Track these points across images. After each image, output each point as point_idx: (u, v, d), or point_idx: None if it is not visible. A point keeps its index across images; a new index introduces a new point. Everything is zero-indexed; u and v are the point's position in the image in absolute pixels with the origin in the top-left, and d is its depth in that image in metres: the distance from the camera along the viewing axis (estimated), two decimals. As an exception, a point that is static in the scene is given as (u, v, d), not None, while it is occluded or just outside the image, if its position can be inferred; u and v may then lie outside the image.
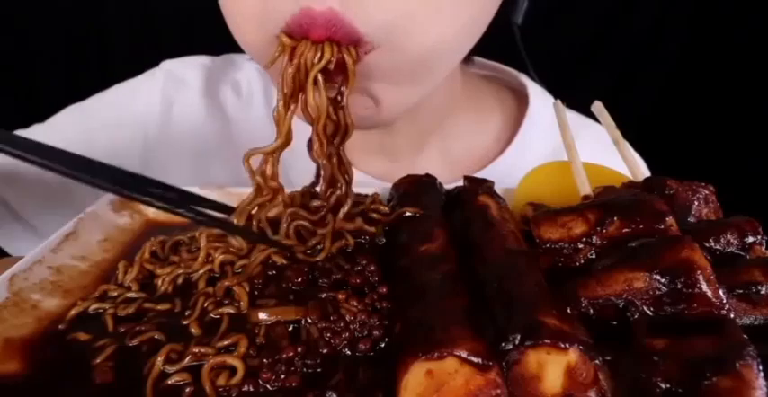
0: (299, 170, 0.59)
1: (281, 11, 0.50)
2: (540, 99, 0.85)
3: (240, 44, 0.60)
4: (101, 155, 0.83)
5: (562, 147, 0.57)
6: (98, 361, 0.40)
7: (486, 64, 0.91)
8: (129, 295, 0.47)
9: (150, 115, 0.84)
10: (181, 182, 0.65)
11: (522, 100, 0.86)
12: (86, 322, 0.45)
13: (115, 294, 0.47)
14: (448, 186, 0.57)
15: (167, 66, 0.88)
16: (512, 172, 0.61)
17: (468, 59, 0.79)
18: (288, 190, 0.56)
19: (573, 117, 0.66)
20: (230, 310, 0.43)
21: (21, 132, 0.84)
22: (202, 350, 0.40)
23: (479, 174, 0.57)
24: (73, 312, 0.45)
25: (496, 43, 0.64)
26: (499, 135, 0.84)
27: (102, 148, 0.83)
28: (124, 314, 0.45)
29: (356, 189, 0.60)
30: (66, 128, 0.84)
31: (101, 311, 0.46)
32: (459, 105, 0.80)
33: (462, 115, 0.81)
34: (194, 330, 0.42)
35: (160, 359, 0.39)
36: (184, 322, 0.43)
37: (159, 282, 0.48)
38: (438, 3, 0.52)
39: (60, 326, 0.44)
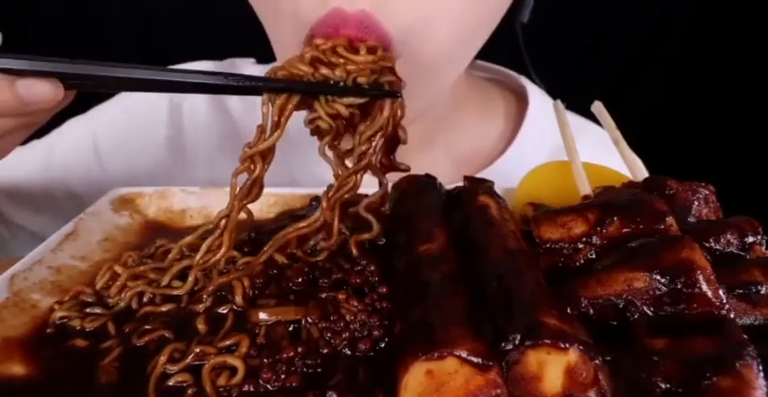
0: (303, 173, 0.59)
1: (308, 12, 0.50)
2: (539, 100, 0.86)
3: (273, 44, 0.60)
4: (111, 159, 0.84)
5: (561, 148, 0.57)
6: (105, 362, 0.40)
7: (488, 67, 0.92)
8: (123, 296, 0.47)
9: (158, 120, 0.85)
10: (194, 184, 0.65)
11: (522, 101, 0.87)
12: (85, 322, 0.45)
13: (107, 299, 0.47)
14: (453, 185, 0.57)
15: None
16: (513, 171, 0.61)
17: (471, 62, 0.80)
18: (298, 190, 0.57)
19: (572, 119, 0.67)
20: (227, 307, 0.44)
21: (21, 149, 0.84)
22: (204, 350, 0.40)
23: (482, 173, 0.57)
24: (58, 314, 0.45)
25: (497, 43, 0.65)
26: (502, 135, 0.85)
27: (111, 153, 0.84)
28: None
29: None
30: (73, 137, 0.84)
31: (98, 312, 0.46)
32: (463, 106, 0.80)
33: (467, 115, 0.82)
34: (201, 326, 0.42)
35: (162, 359, 0.39)
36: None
37: (165, 280, 0.48)
38: (452, 5, 0.53)
39: (48, 330, 0.44)
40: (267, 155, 0.49)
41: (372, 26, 0.49)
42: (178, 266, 0.49)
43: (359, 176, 0.50)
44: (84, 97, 0.50)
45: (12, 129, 0.47)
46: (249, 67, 0.90)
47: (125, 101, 0.86)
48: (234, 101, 0.86)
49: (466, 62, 0.64)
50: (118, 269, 0.50)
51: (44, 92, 0.42)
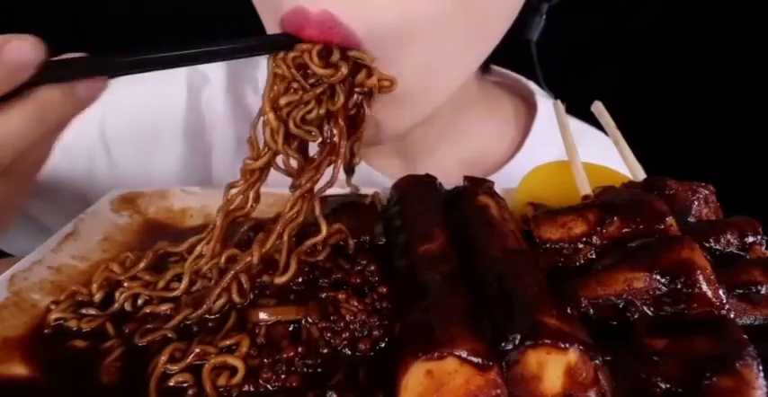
0: None
1: (277, 4, 0.50)
2: (547, 106, 0.85)
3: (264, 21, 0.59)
4: (122, 144, 0.82)
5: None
6: (106, 362, 0.40)
7: (496, 71, 0.91)
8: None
9: (176, 108, 0.82)
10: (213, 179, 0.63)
11: (530, 106, 0.87)
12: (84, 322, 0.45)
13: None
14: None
15: None
16: (521, 176, 0.60)
17: (485, 68, 0.79)
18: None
19: (572, 123, 0.66)
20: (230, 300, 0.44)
21: None
22: (205, 349, 0.40)
23: (492, 178, 0.56)
24: (53, 316, 0.45)
25: (503, 47, 0.63)
26: (512, 140, 0.85)
27: (120, 139, 0.81)
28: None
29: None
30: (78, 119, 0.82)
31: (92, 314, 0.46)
32: (471, 109, 0.80)
33: (476, 119, 0.81)
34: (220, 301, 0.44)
35: (163, 358, 0.39)
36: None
37: (161, 283, 0.48)
38: (435, 16, 0.50)
39: (46, 331, 0.44)
40: (265, 170, 0.49)
41: (336, 27, 0.48)
42: (173, 271, 0.49)
43: (305, 202, 0.49)
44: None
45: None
46: (264, 61, 0.89)
47: (137, 86, 0.81)
48: (251, 96, 0.85)
49: (463, 75, 0.61)
50: (115, 267, 0.49)
51: (100, 87, 0.43)
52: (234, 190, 0.50)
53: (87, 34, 1.44)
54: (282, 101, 0.48)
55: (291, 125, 0.48)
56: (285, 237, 0.47)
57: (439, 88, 0.60)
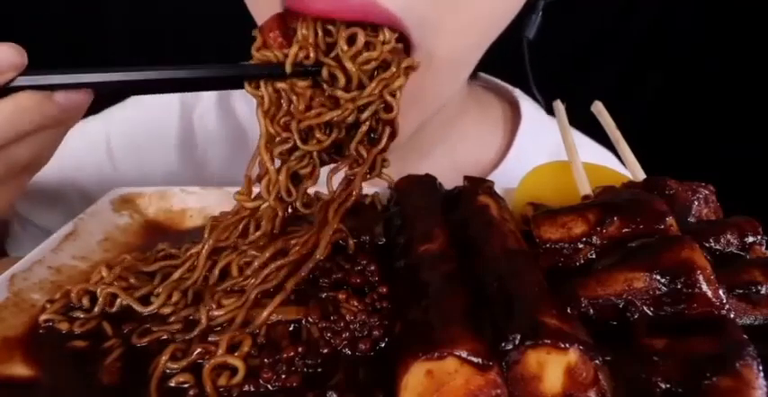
0: None
1: None
2: (532, 113, 0.86)
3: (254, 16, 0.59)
4: (123, 159, 0.84)
5: (556, 156, 0.56)
6: (107, 362, 0.40)
7: (480, 76, 0.92)
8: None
9: (170, 125, 0.85)
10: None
11: (516, 110, 0.88)
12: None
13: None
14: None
15: None
16: (510, 181, 0.60)
17: (474, 73, 0.79)
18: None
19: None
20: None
21: None
22: (206, 348, 0.40)
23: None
24: (42, 317, 0.44)
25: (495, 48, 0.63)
26: (500, 144, 0.86)
27: (123, 153, 0.84)
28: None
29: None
30: (86, 137, 0.84)
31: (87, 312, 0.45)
32: (464, 113, 0.80)
33: (468, 124, 0.82)
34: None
35: (164, 358, 0.39)
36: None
37: (161, 290, 0.47)
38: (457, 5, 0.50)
39: (40, 331, 0.44)
40: (255, 212, 0.51)
41: (370, 6, 0.45)
42: (154, 286, 0.48)
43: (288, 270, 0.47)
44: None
45: (54, 139, 0.48)
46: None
47: (138, 104, 0.86)
48: (240, 105, 0.86)
49: (470, 67, 0.62)
50: (104, 271, 0.48)
51: (81, 97, 0.44)
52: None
53: (87, 34, 1.44)
54: (277, 150, 0.50)
55: (284, 189, 0.50)
56: (252, 296, 0.44)
57: (457, 78, 0.60)
